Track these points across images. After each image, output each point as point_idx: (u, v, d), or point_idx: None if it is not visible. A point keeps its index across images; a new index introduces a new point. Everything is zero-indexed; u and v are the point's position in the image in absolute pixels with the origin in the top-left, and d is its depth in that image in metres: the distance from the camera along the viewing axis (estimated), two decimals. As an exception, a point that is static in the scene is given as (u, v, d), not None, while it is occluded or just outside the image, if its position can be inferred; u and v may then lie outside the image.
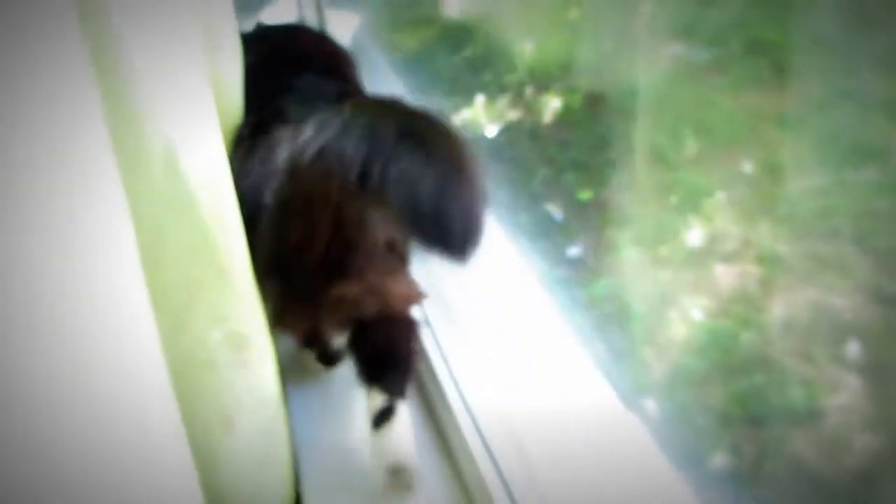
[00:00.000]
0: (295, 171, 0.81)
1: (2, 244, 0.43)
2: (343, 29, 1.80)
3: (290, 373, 1.07)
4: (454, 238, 0.76)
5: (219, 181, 0.74)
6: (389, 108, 0.82)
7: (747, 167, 0.81)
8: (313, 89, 1.00)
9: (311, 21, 1.74)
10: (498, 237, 1.16)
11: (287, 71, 1.03)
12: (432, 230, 0.75)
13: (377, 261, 0.90)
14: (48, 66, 0.50)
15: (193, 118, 0.69)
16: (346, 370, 1.16)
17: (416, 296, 0.94)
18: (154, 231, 0.65)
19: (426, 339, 1.11)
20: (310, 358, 1.18)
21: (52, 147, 0.48)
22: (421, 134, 0.77)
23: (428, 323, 1.12)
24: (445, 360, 1.05)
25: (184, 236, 0.71)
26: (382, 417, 0.93)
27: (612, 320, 0.96)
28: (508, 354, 1.01)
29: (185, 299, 0.74)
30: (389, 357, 0.94)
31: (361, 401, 1.10)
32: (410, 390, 0.97)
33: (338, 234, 0.86)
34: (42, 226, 0.46)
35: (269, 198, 0.83)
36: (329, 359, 1.10)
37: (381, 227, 0.87)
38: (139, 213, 0.59)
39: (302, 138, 0.79)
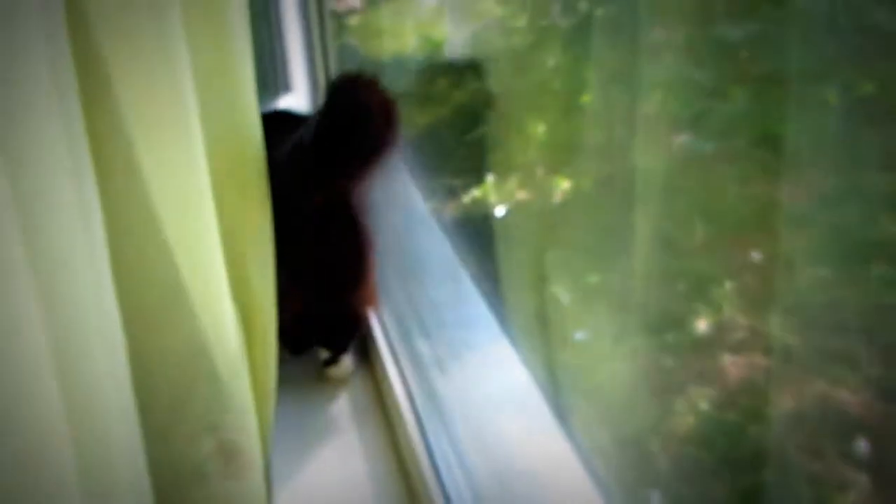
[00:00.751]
0: (277, 171, 1.07)
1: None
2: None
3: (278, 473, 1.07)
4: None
5: (214, 280, 0.74)
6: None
7: (755, 257, 0.80)
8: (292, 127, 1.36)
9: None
10: (490, 327, 1.17)
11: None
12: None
13: (373, 273, 1.37)
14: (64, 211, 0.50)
15: (195, 223, 0.69)
16: (338, 484, 1.17)
17: (374, 305, 1.45)
18: (146, 328, 0.64)
19: (405, 417, 1.12)
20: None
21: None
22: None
23: (416, 412, 1.14)
24: (428, 450, 1.05)
25: (177, 335, 0.70)
26: (330, 361, 1.45)
27: (618, 408, 0.95)
28: (495, 451, 1.00)
29: (174, 402, 0.72)
30: (342, 333, 1.43)
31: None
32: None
33: (352, 242, 1.31)
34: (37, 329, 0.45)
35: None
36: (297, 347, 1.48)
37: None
38: (131, 309, 0.59)
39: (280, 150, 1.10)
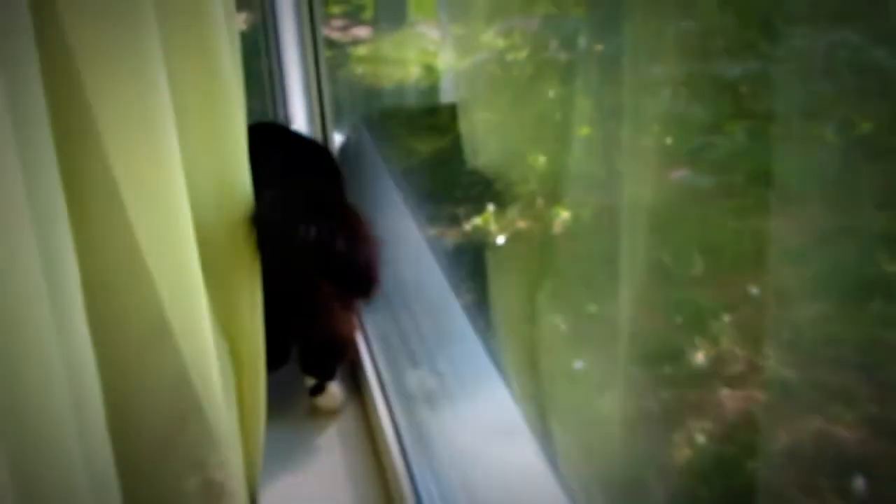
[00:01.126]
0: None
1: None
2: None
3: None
4: (359, 283, 1.20)
5: (198, 314, 0.73)
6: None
7: (753, 290, 0.81)
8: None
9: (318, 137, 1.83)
10: (481, 360, 1.17)
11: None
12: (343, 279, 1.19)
13: (334, 308, 1.38)
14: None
15: (176, 256, 0.69)
16: None
17: (354, 329, 1.47)
18: (127, 365, 0.63)
19: (393, 459, 1.11)
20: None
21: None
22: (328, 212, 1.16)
23: (403, 446, 1.13)
24: (415, 487, 1.04)
25: (161, 372, 0.68)
26: (316, 390, 1.43)
27: (614, 438, 0.95)
28: (484, 489, 0.99)
29: (162, 439, 0.71)
30: (324, 359, 1.44)
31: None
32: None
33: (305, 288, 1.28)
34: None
35: None
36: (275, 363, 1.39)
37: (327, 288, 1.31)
38: (110, 346, 0.58)
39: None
